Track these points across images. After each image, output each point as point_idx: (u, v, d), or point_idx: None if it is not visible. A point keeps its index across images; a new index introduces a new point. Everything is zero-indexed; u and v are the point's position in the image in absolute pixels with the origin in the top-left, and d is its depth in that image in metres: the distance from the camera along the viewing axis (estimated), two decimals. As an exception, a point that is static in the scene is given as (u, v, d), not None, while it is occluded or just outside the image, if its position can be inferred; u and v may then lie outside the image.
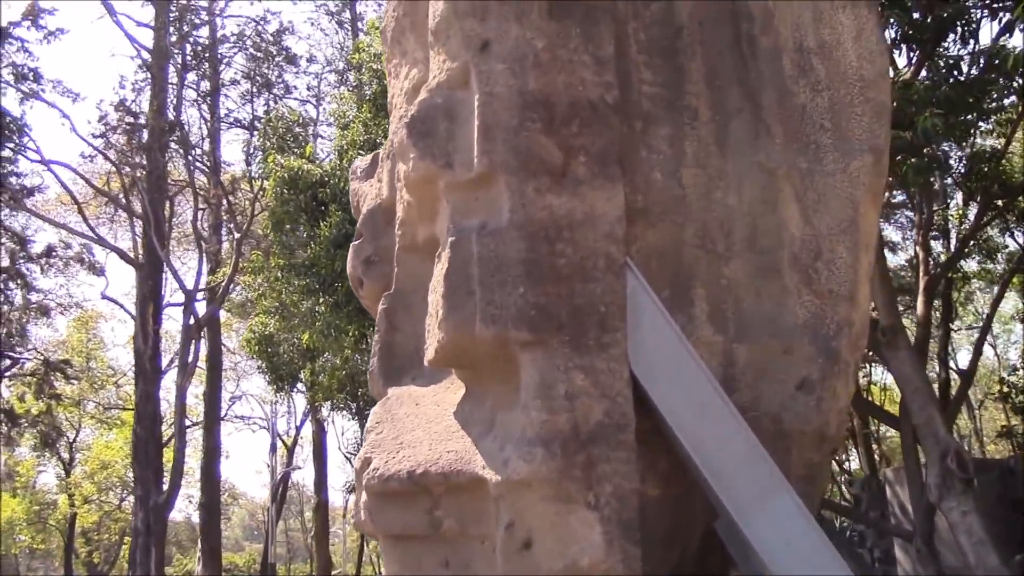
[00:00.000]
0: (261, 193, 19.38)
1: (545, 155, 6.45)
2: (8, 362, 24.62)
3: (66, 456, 49.93)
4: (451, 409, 6.64)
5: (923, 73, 14.82)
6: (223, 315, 29.94)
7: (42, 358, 25.63)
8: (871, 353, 16.63)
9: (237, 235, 20.82)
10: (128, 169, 21.41)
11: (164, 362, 31.21)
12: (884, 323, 14.94)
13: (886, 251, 29.94)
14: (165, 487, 22.06)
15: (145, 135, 21.28)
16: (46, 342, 42.58)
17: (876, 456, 32.84)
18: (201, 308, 24.35)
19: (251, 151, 20.42)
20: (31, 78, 22.95)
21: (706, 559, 6.91)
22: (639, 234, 6.86)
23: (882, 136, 7.28)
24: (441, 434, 6.49)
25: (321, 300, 16.89)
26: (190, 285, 26.16)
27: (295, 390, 22.86)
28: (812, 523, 6.23)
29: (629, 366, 6.33)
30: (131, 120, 20.99)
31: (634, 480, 6.13)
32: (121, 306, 34.91)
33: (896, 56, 16.49)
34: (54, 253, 24.79)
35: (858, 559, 18.78)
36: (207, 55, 21.86)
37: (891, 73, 15.83)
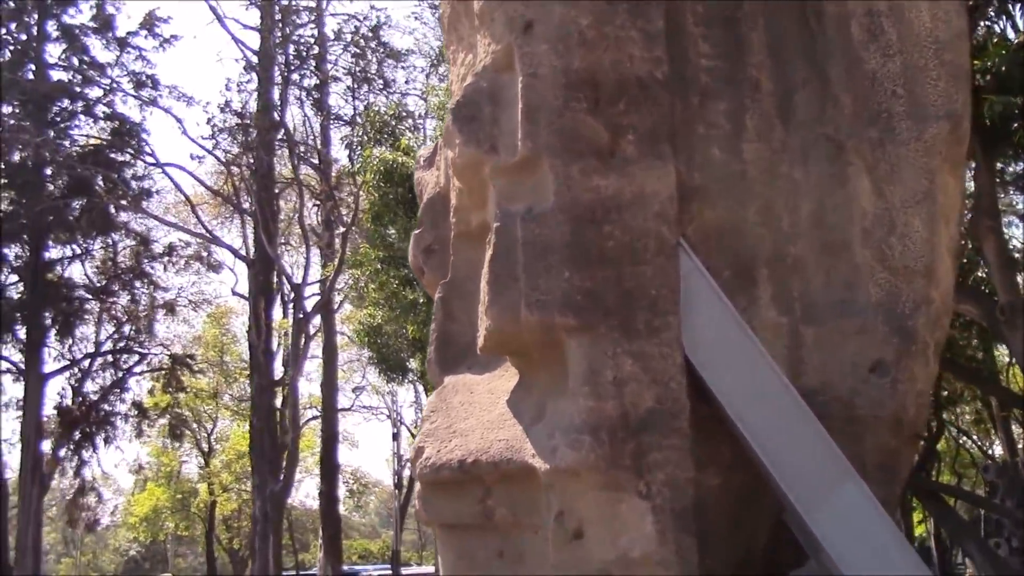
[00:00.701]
0: (363, 187, 19.67)
1: (591, 135, 6.27)
2: (136, 357, 25.89)
3: (205, 447, 52.07)
4: (504, 397, 6.55)
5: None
6: (347, 308, 30.64)
7: (168, 353, 26.84)
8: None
9: (342, 229, 21.26)
10: (237, 168, 22.13)
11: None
12: (1002, 301, 14.04)
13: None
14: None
15: (253, 135, 21.95)
16: (183, 337, 44.53)
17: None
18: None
19: (353, 146, 20.83)
20: (149, 85, 24.05)
21: (778, 553, 6.60)
22: (696, 213, 6.61)
23: (960, 101, 6.80)
24: (493, 422, 6.41)
25: (420, 292, 17.00)
26: (309, 279, 27.00)
27: (407, 379, 23.14)
28: (880, 512, 5.88)
29: (683, 351, 6.11)
30: (237, 120, 21.69)
31: (689, 469, 5.91)
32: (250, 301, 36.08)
33: (1017, 17, 15.49)
34: (175, 252, 25.92)
35: (987, 550, 17.75)
36: (310, 54, 22.39)
37: (1012, 35, 14.91)
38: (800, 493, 5.90)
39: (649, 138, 6.34)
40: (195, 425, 52.53)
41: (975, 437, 37.25)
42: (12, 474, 26.25)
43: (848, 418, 6.52)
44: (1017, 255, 23.46)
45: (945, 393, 25.39)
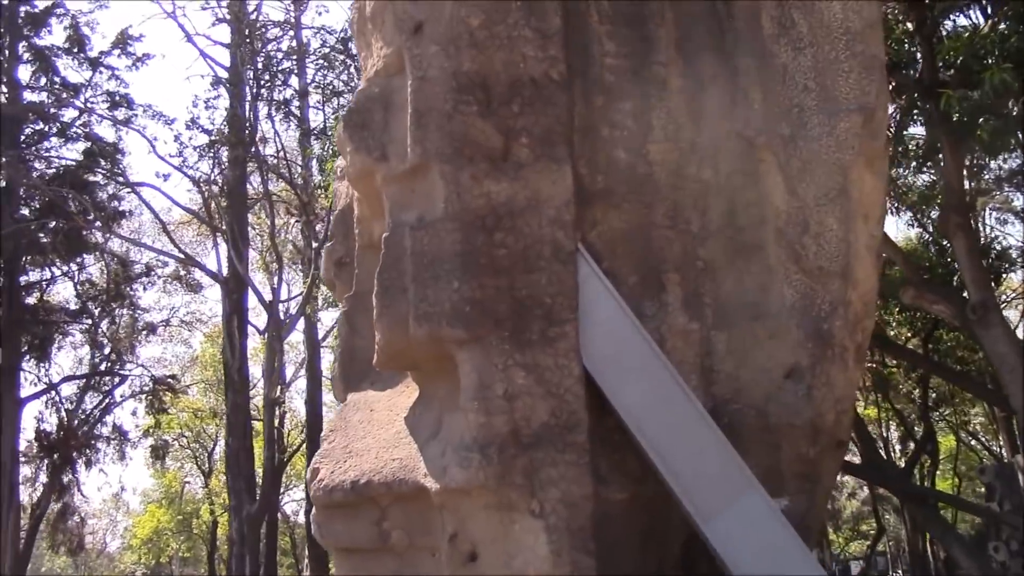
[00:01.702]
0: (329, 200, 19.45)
1: (482, 139, 6.03)
2: (117, 380, 25.68)
3: (206, 467, 51.83)
4: (403, 414, 6.29)
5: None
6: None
7: (150, 375, 26.58)
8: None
9: (315, 244, 21.08)
10: (207, 186, 21.90)
11: (288, 374, 32.04)
12: (974, 299, 13.74)
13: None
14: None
15: (224, 151, 21.74)
16: (182, 358, 44.25)
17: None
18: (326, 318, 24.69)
19: (323, 160, 20.59)
20: (124, 105, 23.89)
21: (693, 564, 6.31)
22: (600, 218, 6.35)
23: (873, 93, 6.55)
24: (389, 441, 6.15)
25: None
26: (293, 295, 26.81)
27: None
28: (782, 524, 5.61)
29: (581, 361, 5.85)
30: (206, 137, 21.52)
31: (586, 485, 5.65)
32: (248, 322, 35.82)
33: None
34: (153, 272, 25.76)
35: (975, 555, 17.37)
36: (278, 68, 22.20)
37: (976, 26, 14.60)
38: (699, 505, 5.64)
39: (544, 140, 6.10)
40: (195, 445, 52.26)
41: (984, 438, 36.81)
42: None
43: (763, 427, 6.26)
44: (1014, 253, 23.10)
45: (933, 395, 25.22)
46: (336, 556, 6.42)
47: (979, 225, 27.45)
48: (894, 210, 18.43)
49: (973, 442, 36.93)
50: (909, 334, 22.11)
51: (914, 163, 16.15)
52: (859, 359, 6.62)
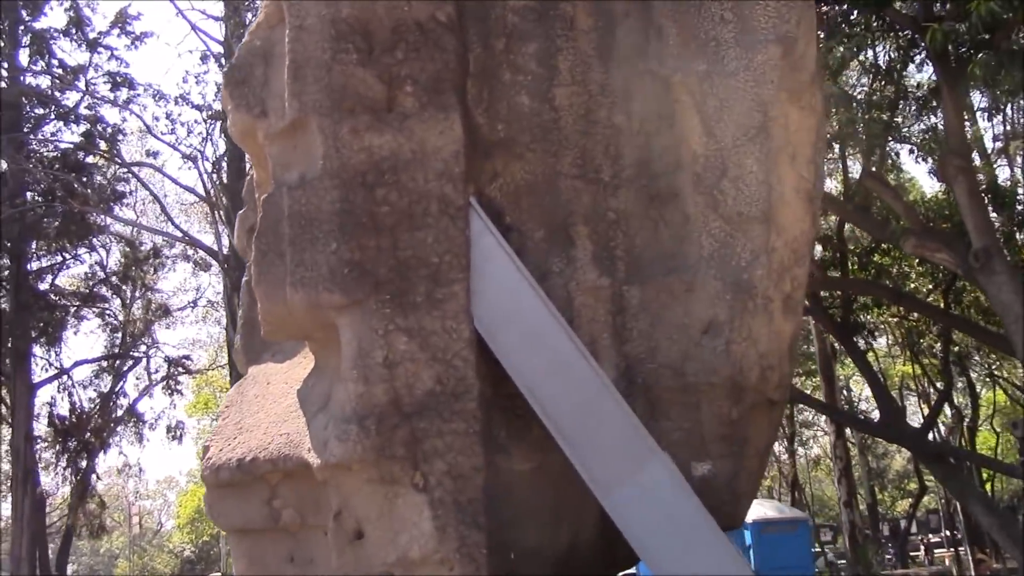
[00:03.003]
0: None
1: (363, 90, 5.62)
2: (131, 362, 25.76)
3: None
4: (298, 386, 5.95)
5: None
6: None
7: (164, 356, 26.66)
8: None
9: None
10: (201, 163, 21.81)
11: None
12: (976, 245, 13.07)
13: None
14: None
15: (213, 126, 21.59)
16: (216, 339, 44.59)
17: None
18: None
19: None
20: (126, 85, 23.74)
21: (615, 541, 5.90)
22: (501, 169, 5.94)
23: (793, 20, 6.02)
24: (280, 415, 5.82)
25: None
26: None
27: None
28: (687, 494, 5.19)
29: (472, 323, 5.45)
30: (197, 113, 21.34)
31: (476, 455, 5.27)
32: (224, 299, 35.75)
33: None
34: (161, 254, 25.69)
35: (993, 511, 16.74)
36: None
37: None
38: (598, 475, 5.24)
39: (431, 88, 5.67)
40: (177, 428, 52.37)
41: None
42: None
43: (681, 387, 5.83)
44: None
45: (956, 349, 24.40)
46: (231, 538, 6.12)
47: (1012, 170, 26.43)
48: (895, 155, 17.69)
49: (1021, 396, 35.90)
50: (931, 286, 21.36)
51: (915, 106, 15.41)
52: (789, 311, 6.13)
